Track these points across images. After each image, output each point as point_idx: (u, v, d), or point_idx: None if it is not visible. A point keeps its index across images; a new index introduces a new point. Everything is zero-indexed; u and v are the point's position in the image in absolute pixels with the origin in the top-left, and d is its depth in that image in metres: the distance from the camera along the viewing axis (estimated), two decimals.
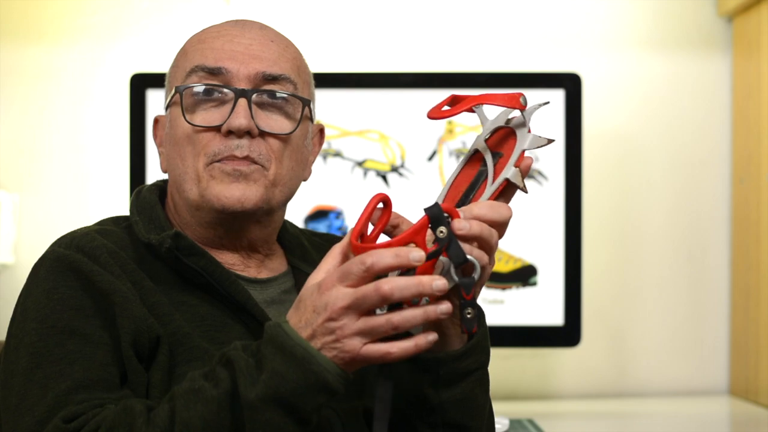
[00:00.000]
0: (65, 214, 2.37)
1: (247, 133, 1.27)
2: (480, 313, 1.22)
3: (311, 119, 1.35)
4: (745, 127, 2.42)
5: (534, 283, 2.16)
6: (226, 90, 1.28)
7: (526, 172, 1.15)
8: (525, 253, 2.17)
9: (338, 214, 2.15)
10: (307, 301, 1.08)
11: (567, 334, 2.15)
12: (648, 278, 2.47)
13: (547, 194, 2.16)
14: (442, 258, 1.07)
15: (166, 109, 1.34)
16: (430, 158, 2.16)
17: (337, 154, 2.16)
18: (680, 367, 2.47)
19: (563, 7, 2.46)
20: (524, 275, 2.16)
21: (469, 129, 2.17)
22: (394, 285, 1.04)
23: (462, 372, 1.20)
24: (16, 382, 1.15)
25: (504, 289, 2.16)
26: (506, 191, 1.15)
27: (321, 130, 1.40)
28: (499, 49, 2.44)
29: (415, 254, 1.05)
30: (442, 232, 1.06)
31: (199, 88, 1.28)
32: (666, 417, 2.30)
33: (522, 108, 1.16)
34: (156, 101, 2.09)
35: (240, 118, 1.26)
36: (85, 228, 1.28)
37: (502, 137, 1.18)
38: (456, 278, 1.08)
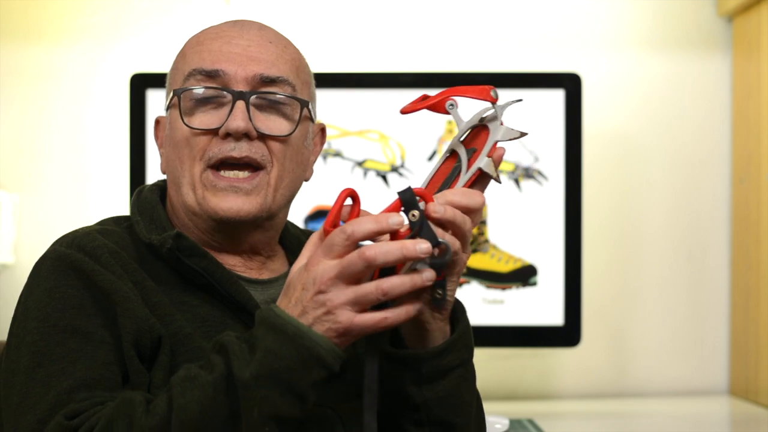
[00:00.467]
0: (65, 214, 2.37)
1: (245, 136, 1.27)
2: (461, 309, 1.23)
3: (311, 119, 1.35)
4: (745, 127, 2.42)
5: (534, 283, 2.16)
6: (223, 92, 1.28)
7: (498, 162, 1.17)
8: (525, 253, 2.17)
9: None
10: (296, 282, 1.09)
11: (567, 334, 2.15)
12: (648, 278, 2.47)
13: (547, 194, 2.16)
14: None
15: (166, 110, 1.34)
16: (430, 158, 2.16)
17: (337, 154, 2.16)
18: (680, 367, 2.47)
19: (563, 7, 2.46)
20: (524, 275, 2.16)
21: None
22: (378, 250, 1.05)
23: (443, 369, 1.20)
24: (18, 380, 1.15)
25: (504, 289, 2.16)
26: (480, 181, 1.17)
27: (322, 130, 1.40)
28: (499, 49, 2.44)
29: (394, 218, 1.07)
30: (414, 215, 1.08)
31: (197, 91, 1.28)
32: (666, 417, 2.30)
33: (493, 100, 1.18)
34: (156, 101, 2.09)
35: (238, 120, 1.26)
36: (86, 228, 1.28)
37: (476, 134, 1.20)
38: (427, 261, 1.08)
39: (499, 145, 1.17)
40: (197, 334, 1.22)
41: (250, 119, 1.27)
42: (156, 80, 2.08)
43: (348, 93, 2.16)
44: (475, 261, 2.15)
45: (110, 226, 1.30)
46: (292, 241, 1.40)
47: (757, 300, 2.36)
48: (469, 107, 1.20)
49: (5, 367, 1.19)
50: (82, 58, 2.40)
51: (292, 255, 1.39)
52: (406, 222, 1.08)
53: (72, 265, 1.20)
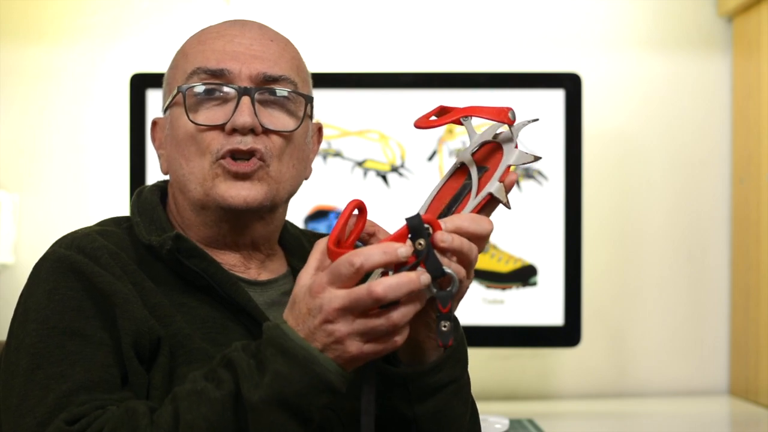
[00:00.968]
0: (65, 214, 2.37)
1: (251, 131, 1.27)
2: (455, 325, 1.21)
3: (311, 117, 1.35)
4: (745, 127, 2.42)
5: (534, 283, 2.16)
6: (228, 89, 1.28)
7: (510, 188, 1.15)
8: (525, 253, 2.17)
9: (338, 214, 2.15)
10: (301, 303, 1.08)
11: (567, 334, 2.15)
12: (648, 278, 2.47)
13: (547, 194, 2.16)
14: (419, 269, 1.07)
15: (165, 110, 1.33)
16: (430, 158, 2.16)
17: (337, 154, 2.16)
18: (680, 367, 2.47)
19: (563, 7, 2.46)
20: (524, 275, 2.16)
21: None
22: (386, 286, 1.04)
23: (434, 387, 1.20)
24: (17, 382, 1.15)
25: (504, 289, 2.16)
26: (488, 205, 1.15)
27: (319, 129, 1.40)
28: (499, 49, 2.44)
29: (403, 250, 1.06)
30: (420, 244, 1.06)
31: (202, 88, 1.28)
32: (666, 417, 2.30)
33: (510, 123, 1.15)
34: (156, 101, 2.08)
35: (244, 115, 1.26)
36: (85, 228, 1.28)
37: (489, 152, 1.17)
38: (433, 290, 1.08)
39: (512, 169, 1.14)
40: (197, 335, 1.22)
41: (256, 115, 1.27)
42: (156, 80, 2.07)
43: (348, 93, 2.16)
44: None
45: (110, 227, 1.30)
46: (292, 241, 1.40)
47: (757, 300, 2.36)
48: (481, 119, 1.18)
49: (4, 369, 1.19)
50: (82, 58, 2.40)
51: (291, 255, 1.39)
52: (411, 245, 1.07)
53: (71, 267, 1.20)
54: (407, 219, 1.07)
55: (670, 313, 2.47)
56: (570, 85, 2.15)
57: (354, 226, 1.11)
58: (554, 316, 2.15)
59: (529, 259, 2.16)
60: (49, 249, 1.24)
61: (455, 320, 1.20)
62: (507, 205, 1.15)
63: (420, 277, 1.05)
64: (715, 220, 2.49)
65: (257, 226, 1.31)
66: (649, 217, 2.47)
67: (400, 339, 1.07)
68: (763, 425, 2.19)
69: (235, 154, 1.27)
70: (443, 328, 1.09)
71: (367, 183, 2.15)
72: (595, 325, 2.40)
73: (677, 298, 2.48)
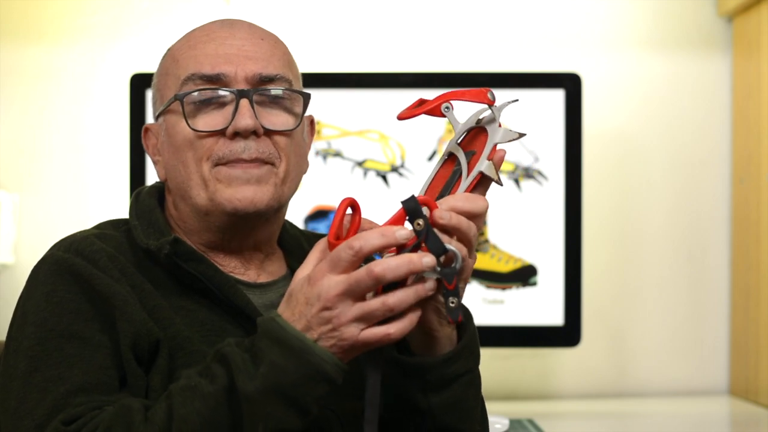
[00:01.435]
0: (65, 214, 2.37)
1: (252, 133, 1.27)
2: (468, 315, 1.23)
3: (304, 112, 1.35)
4: (745, 127, 2.42)
5: (534, 283, 2.16)
6: (226, 92, 1.27)
7: (499, 165, 1.16)
8: (525, 253, 2.17)
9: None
10: (299, 294, 1.09)
11: (567, 334, 2.15)
12: (648, 278, 2.47)
13: (547, 194, 2.16)
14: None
15: (158, 117, 1.32)
16: (430, 158, 2.16)
17: (337, 154, 2.16)
18: (680, 367, 2.47)
19: (563, 7, 2.46)
20: (524, 275, 2.16)
21: None
22: (386, 266, 1.05)
23: (450, 376, 1.20)
24: (15, 385, 1.15)
25: (504, 289, 2.16)
26: (481, 185, 1.16)
27: (311, 122, 1.40)
28: (499, 49, 2.44)
29: (402, 232, 1.06)
30: (419, 224, 1.07)
31: (200, 93, 1.27)
32: (666, 417, 2.30)
33: (490, 103, 1.17)
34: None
35: (246, 118, 1.26)
36: (84, 232, 1.28)
37: (474, 136, 1.19)
38: (437, 269, 1.08)
39: (498, 147, 1.16)
40: (196, 338, 1.22)
41: (256, 116, 1.26)
42: None
43: (348, 93, 2.16)
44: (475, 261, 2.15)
45: (108, 230, 1.29)
46: (291, 242, 1.40)
47: (757, 300, 2.36)
48: (465, 109, 1.20)
49: (3, 371, 1.19)
50: (82, 58, 2.40)
51: (290, 256, 1.38)
52: (410, 228, 1.08)
53: (70, 270, 1.20)
54: (403, 201, 1.08)
55: (670, 313, 2.47)
56: (570, 85, 2.15)
57: (350, 224, 1.11)
58: (554, 316, 2.15)
59: (529, 259, 2.16)
60: (47, 252, 1.24)
61: (467, 311, 1.22)
62: (498, 182, 1.16)
63: (422, 258, 1.06)
64: (715, 220, 2.49)
65: (261, 227, 1.31)
66: (649, 217, 2.47)
67: (395, 331, 1.07)
68: (763, 425, 2.19)
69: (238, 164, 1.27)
70: (451, 305, 1.10)
71: (367, 183, 2.15)
72: (595, 325, 2.40)
73: (677, 298, 2.48)
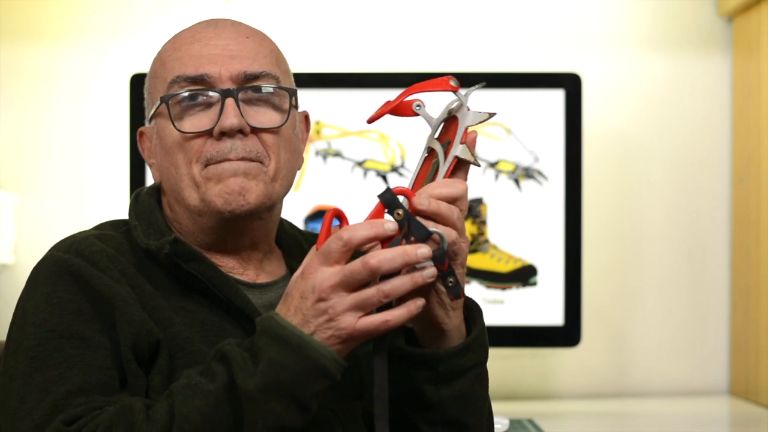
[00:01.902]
0: (65, 214, 2.37)
1: (239, 132, 1.26)
2: (477, 310, 1.24)
3: (296, 108, 1.35)
4: (745, 127, 2.42)
5: (534, 283, 2.16)
6: (211, 93, 1.27)
7: (473, 146, 1.17)
8: (525, 253, 2.17)
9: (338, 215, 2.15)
10: (293, 290, 1.10)
11: (567, 334, 2.15)
12: (648, 278, 2.47)
13: (547, 194, 2.16)
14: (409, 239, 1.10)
15: (150, 120, 1.33)
16: None
17: (337, 154, 2.16)
18: (680, 367, 2.47)
19: (563, 7, 2.46)
20: (524, 275, 2.16)
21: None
22: (381, 257, 1.06)
23: (461, 369, 1.20)
24: (15, 386, 1.15)
25: (504, 289, 2.16)
26: (460, 169, 1.18)
27: (306, 117, 1.40)
28: (499, 49, 2.44)
29: (390, 224, 1.08)
30: (399, 213, 1.09)
31: (185, 95, 1.27)
32: (666, 417, 2.30)
33: (454, 89, 1.18)
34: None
35: (231, 117, 1.25)
36: (83, 232, 1.28)
37: (448, 127, 1.20)
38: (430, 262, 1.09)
39: (470, 129, 1.17)
40: (196, 338, 1.22)
41: (242, 115, 1.26)
42: None
43: (348, 93, 2.16)
44: (475, 261, 2.16)
45: (108, 230, 1.29)
46: (289, 242, 1.40)
47: (757, 300, 2.36)
48: (439, 105, 1.22)
49: (3, 372, 1.19)
50: (82, 58, 2.40)
51: (289, 256, 1.38)
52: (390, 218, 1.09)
53: (70, 270, 1.20)
54: (379, 195, 1.10)
55: (670, 313, 2.47)
56: (570, 85, 2.15)
57: None
58: (554, 316, 2.15)
59: (529, 259, 2.16)
60: (47, 253, 1.24)
61: (478, 307, 1.23)
62: (475, 163, 1.17)
63: (417, 250, 1.07)
64: (715, 220, 2.49)
65: (256, 226, 1.31)
66: (649, 217, 2.47)
67: (392, 319, 1.08)
68: (763, 425, 2.19)
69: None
70: (449, 284, 1.12)
71: (367, 183, 2.15)
72: (595, 325, 2.40)
73: (677, 298, 2.48)
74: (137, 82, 2.10)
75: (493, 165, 2.16)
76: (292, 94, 1.31)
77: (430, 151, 1.21)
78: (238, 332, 1.24)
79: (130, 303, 1.19)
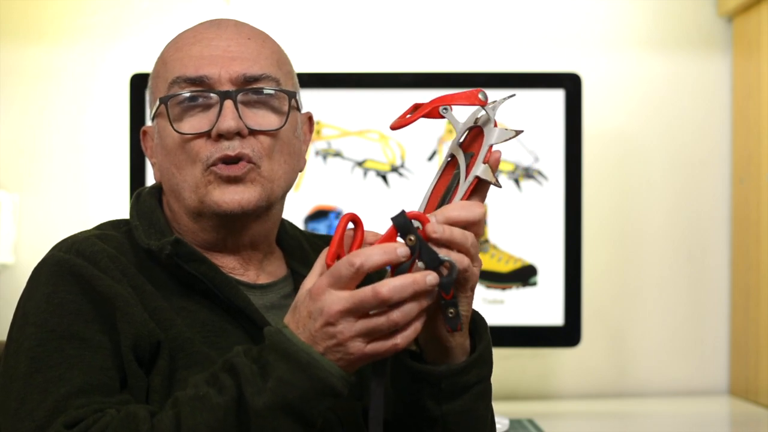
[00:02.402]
0: (65, 214, 2.37)
1: (237, 134, 1.26)
2: (483, 325, 1.23)
3: (299, 110, 1.34)
4: (745, 127, 2.42)
5: (534, 283, 2.16)
6: (210, 94, 1.27)
7: (496, 167, 1.15)
8: (525, 253, 2.17)
9: (338, 214, 2.15)
10: (301, 306, 1.09)
11: (567, 334, 2.15)
12: (648, 278, 2.47)
13: (547, 194, 2.16)
14: (419, 263, 1.08)
15: (153, 119, 1.33)
16: (430, 158, 2.16)
17: (337, 154, 2.16)
18: (680, 367, 2.47)
19: (563, 7, 2.46)
20: (524, 275, 2.16)
21: None
22: (392, 287, 1.05)
23: (464, 385, 1.20)
24: (16, 386, 1.15)
25: (504, 289, 2.16)
26: (479, 189, 1.16)
27: (309, 119, 1.39)
28: (499, 49, 2.44)
29: (402, 250, 1.07)
30: (411, 239, 1.07)
31: (183, 96, 1.27)
32: (666, 417, 2.30)
33: (482, 104, 1.16)
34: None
35: (228, 120, 1.25)
36: (84, 232, 1.28)
37: (474, 137, 1.18)
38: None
39: (495, 147, 1.15)
40: (197, 339, 1.22)
41: (240, 117, 1.26)
42: None
43: (348, 93, 2.16)
44: None
45: (109, 230, 1.29)
46: (290, 242, 1.40)
47: (757, 300, 2.36)
48: (463, 109, 1.20)
49: (3, 372, 1.19)
50: (82, 58, 2.40)
51: (290, 257, 1.38)
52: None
53: (71, 270, 1.20)
54: (392, 218, 1.08)
55: (670, 313, 2.47)
56: (570, 85, 2.15)
57: (353, 239, 1.11)
58: (554, 316, 2.15)
59: (529, 259, 2.16)
60: (48, 253, 1.24)
61: (483, 322, 1.22)
62: (497, 185, 1.15)
63: (426, 278, 1.06)
64: (715, 220, 2.49)
65: (254, 226, 1.31)
66: (649, 217, 2.47)
67: (401, 341, 1.07)
68: (763, 425, 2.19)
69: (225, 161, 1.26)
70: (449, 315, 1.10)
71: (367, 183, 2.15)
72: (595, 325, 2.40)
73: (677, 298, 2.48)
74: (137, 82, 2.10)
75: None
76: (292, 96, 1.31)
77: (452, 158, 1.19)
78: (238, 333, 1.24)
79: (131, 303, 1.19)
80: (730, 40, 2.48)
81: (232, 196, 1.26)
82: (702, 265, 2.48)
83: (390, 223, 1.08)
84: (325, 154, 2.15)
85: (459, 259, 1.09)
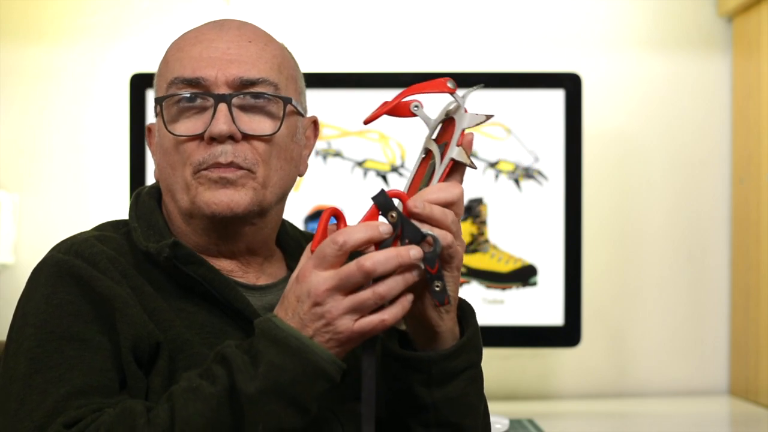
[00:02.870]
0: (65, 214, 2.37)
1: (230, 138, 1.26)
2: (470, 311, 1.24)
3: (301, 114, 1.34)
4: (745, 127, 2.42)
5: (534, 283, 2.16)
6: (205, 97, 1.27)
7: (469, 149, 1.17)
8: (525, 253, 2.17)
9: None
10: (289, 293, 1.11)
11: (567, 334, 2.15)
12: (648, 278, 2.47)
13: (547, 194, 2.16)
14: (401, 243, 1.10)
15: (155, 117, 1.33)
16: None
17: (337, 154, 2.16)
18: (680, 367, 2.47)
19: (563, 7, 2.46)
20: (524, 275, 2.16)
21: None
22: (376, 260, 1.07)
23: (453, 371, 1.21)
24: (15, 387, 1.15)
25: (504, 289, 2.16)
26: (456, 171, 1.18)
27: (314, 122, 1.38)
28: (499, 49, 2.44)
29: (384, 227, 1.09)
30: (392, 216, 1.10)
31: (179, 97, 1.27)
32: (666, 417, 2.30)
33: (451, 91, 1.18)
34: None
35: (220, 124, 1.25)
36: (84, 233, 1.28)
37: (445, 128, 1.20)
38: (422, 265, 1.10)
39: (467, 131, 1.17)
40: (196, 340, 1.22)
41: (234, 121, 1.26)
42: None
43: (348, 93, 2.16)
44: (475, 261, 2.16)
45: (108, 231, 1.29)
46: (291, 243, 1.40)
47: (757, 300, 2.36)
48: (437, 106, 1.21)
49: (3, 373, 1.19)
50: (82, 58, 2.40)
51: (290, 258, 1.38)
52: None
53: (70, 272, 1.20)
54: (372, 197, 1.10)
55: (670, 313, 2.47)
56: (570, 85, 2.15)
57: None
58: (554, 316, 2.15)
59: (529, 259, 2.16)
60: (47, 254, 1.24)
61: (471, 309, 1.24)
62: (471, 165, 1.17)
63: (409, 251, 1.08)
64: (715, 220, 2.49)
65: (248, 232, 1.30)
66: (649, 217, 2.47)
67: (389, 317, 1.09)
68: (763, 425, 2.19)
69: (216, 167, 1.26)
70: (436, 288, 1.13)
71: (367, 183, 2.15)
72: (595, 325, 2.40)
73: (677, 298, 2.48)
74: (137, 82, 2.10)
75: (493, 165, 2.16)
76: (287, 102, 1.29)
77: (427, 152, 1.21)
78: (238, 334, 1.24)
79: (130, 304, 1.19)
80: (730, 40, 2.48)
81: (221, 198, 1.26)
82: (702, 265, 2.48)
83: (371, 204, 1.10)
84: (325, 154, 2.15)
85: (442, 236, 1.12)
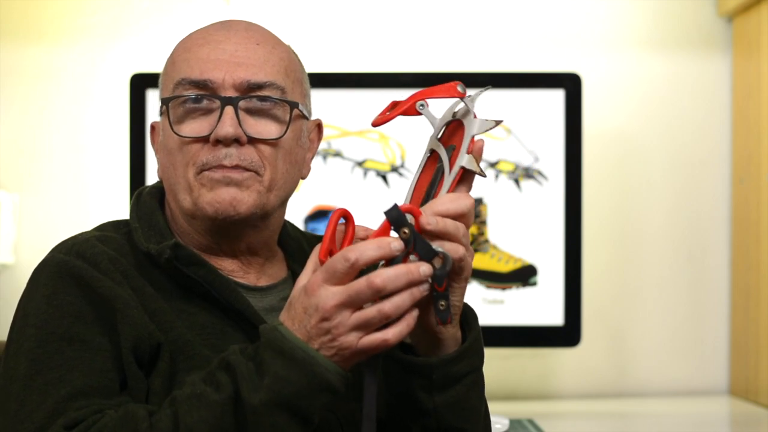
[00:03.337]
0: (65, 214, 2.37)
1: (235, 141, 1.26)
2: (473, 316, 1.24)
3: (306, 117, 1.34)
4: (745, 127, 2.42)
5: (534, 283, 2.16)
6: (212, 99, 1.27)
7: (479, 156, 1.16)
8: (525, 253, 2.17)
9: None
10: (296, 303, 1.10)
11: (567, 334, 2.15)
12: (648, 278, 2.47)
13: (547, 194, 2.16)
14: (412, 257, 1.09)
15: (160, 116, 1.33)
16: None
17: (337, 154, 2.16)
18: (680, 367, 2.47)
19: (563, 7, 2.46)
20: (524, 275, 2.16)
21: None
22: (386, 277, 1.06)
23: (455, 376, 1.20)
24: (15, 388, 1.15)
25: (504, 289, 2.16)
26: (465, 179, 1.17)
27: (318, 126, 1.38)
28: (499, 49, 2.44)
29: (396, 244, 1.08)
30: (405, 232, 1.08)
31: (184, 99, 1.27)
32: (666, 417, 2.30)
33: (461, 96, 1.17)
34: (156, 101, 2.08)
35: (226, 126, 1.25)
36: (85, 234, 1.28)
37: (453, 131, 1.19)
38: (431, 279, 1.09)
39: (476, 138, 1.16)
40: (197, 341, 1.22)
41: (240, 124, 1.25)
42: (156, 80, 2.06)
43: (348, 93, 2.16)
44: (475, 261, 2.15)
45: (109, 232, 1.29)
46: (292, 244, 1.40)
47: (757, 300, 2.36)
48: (442, 105, 1.21)
49: (3, 374, 1.19)
50: (82, 58, 2.40)
51: (291, 258, 1.38)
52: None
53: (71, 272, 1.20)
54: (385, 212, 1.09)
55: (670, 313, 2.47)
56: (570, 85, 2.15)
57: (344, 234, 1.12)
58: (554, 316, 2.15)
59: (529, 259, 2.16)
60: (48, 254, 1.24)
61: (473, 313, 1.23)
62: (482, 174, 1.16)
63: (420, 268, 1.07)
64: (715, 220, 2.49)
65: (250, 233, 1.30)
66: (649, 217, 2.47)
67: (392, 337, 1.08)
68: (763, 425, 2.19)
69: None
70: (440, 307, 1.12)
71: (367, 183, 2.15)
72: (595, 325, 2.40)
73: (677, 298, 2.48)
74: (137, 82, 2.10)
75: (493, 165, 2.16)
76: (293, 106, 1.29)
77: (432, 153, 1.20)
78: (238, 335, 1.24)
79: (131, 305, 1.19)
80: (730, 40, 2.48)
81: (224, 196, 1.25)
82: (702, 265, 2.48)
83: (383, 218, 1.09)
84: (325, 154, 2.15)
85: (453, 249, 1.11)
